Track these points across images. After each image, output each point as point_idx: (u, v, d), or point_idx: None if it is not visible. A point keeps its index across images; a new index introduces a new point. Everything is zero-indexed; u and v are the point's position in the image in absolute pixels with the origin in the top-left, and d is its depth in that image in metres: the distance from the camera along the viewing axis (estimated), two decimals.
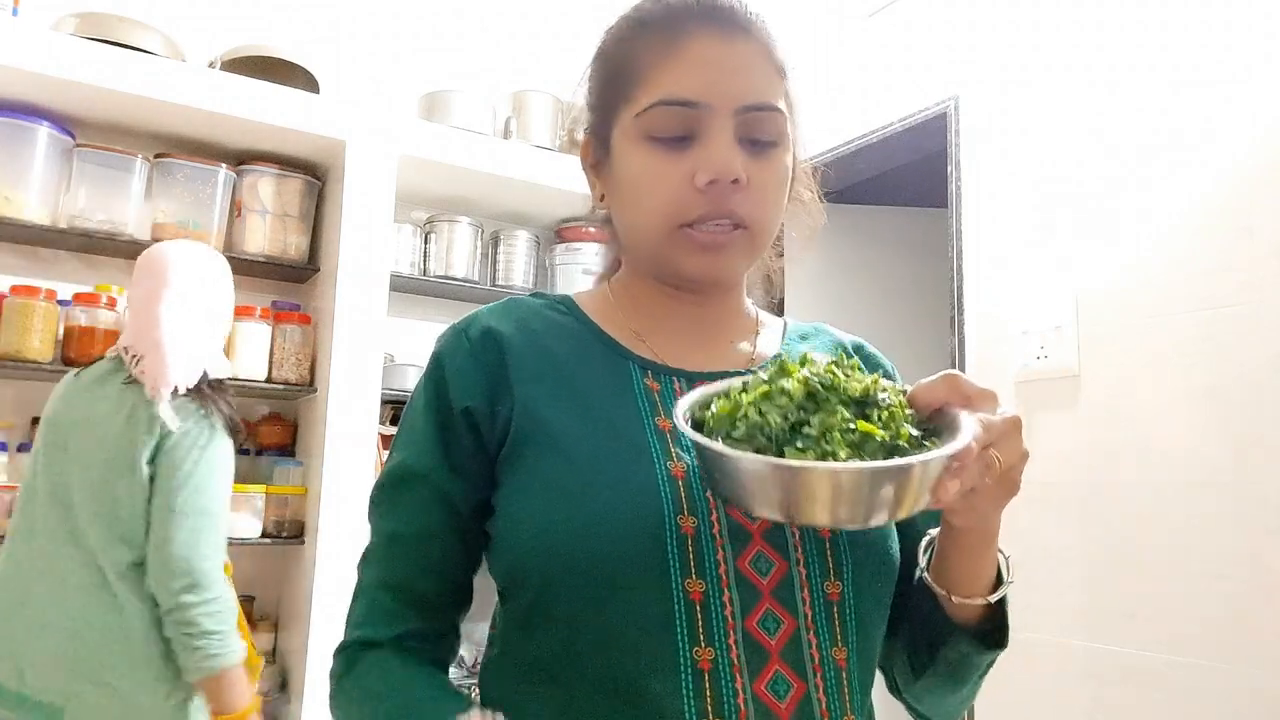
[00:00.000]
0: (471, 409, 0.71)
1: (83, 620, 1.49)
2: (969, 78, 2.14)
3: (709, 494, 0.67)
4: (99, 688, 1.47)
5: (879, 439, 0.58)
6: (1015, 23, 2.05)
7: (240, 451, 2.47)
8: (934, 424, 0.62)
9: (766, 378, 0.63)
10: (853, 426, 0.58)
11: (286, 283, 2.65)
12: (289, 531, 2.38)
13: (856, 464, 0.55)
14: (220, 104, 2.29)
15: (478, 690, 0.75)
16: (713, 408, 0.63)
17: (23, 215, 2.19)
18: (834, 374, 0.61)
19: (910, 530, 0.74)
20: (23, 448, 2.21)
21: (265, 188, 2.49)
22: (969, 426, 0.58)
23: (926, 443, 0.59)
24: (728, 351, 0.79)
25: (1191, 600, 1.58)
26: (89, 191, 2.29)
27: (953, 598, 0.70)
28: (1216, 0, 1.67)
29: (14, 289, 2.17)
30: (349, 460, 2.30)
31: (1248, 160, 1.59)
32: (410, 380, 2.63)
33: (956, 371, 0.63)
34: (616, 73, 0.75)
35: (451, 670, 0.75)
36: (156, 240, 2.30)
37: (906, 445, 0.58)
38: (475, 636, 2.37)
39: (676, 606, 0.64)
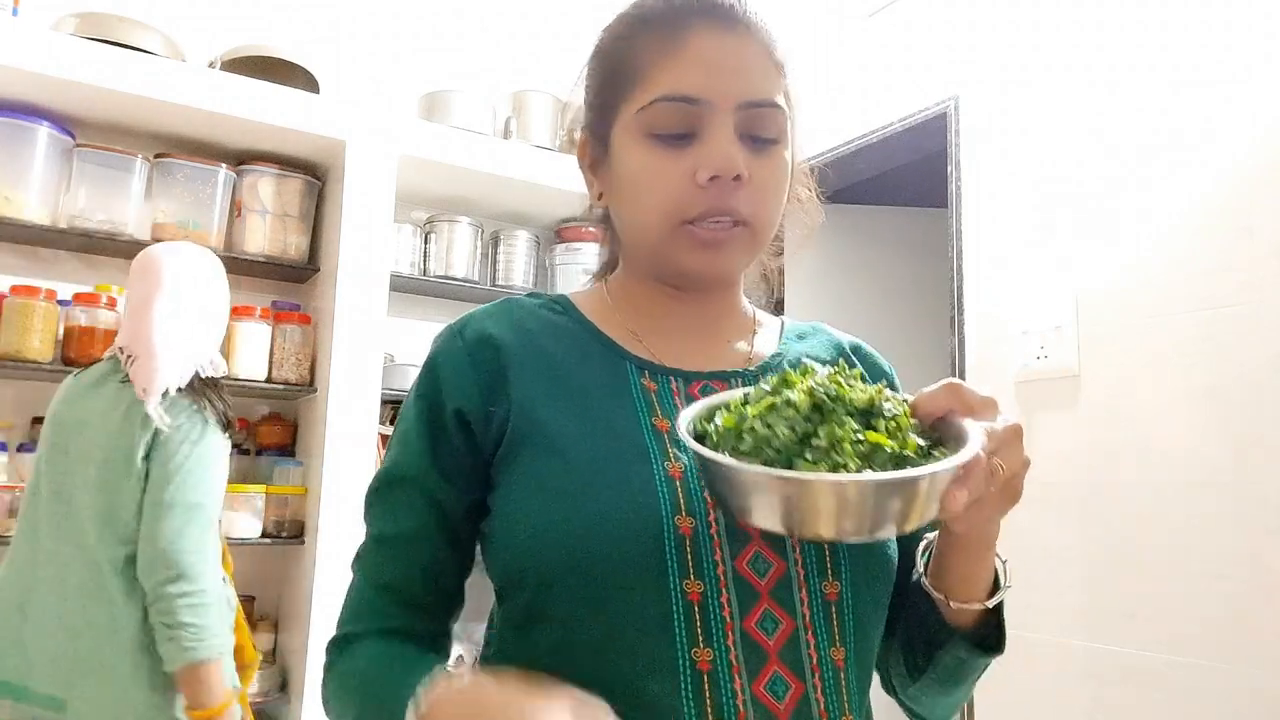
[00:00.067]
0: (464, 410, 0.71)
1: (81, 617, 1.51)
2: (969, 78, 2.14)
3: (706, 493, 0.67)
4: (98, 682, 1.48)
5: (888, 449, 0.57)
6: (1015, 23, 2.05)
7: (240, 451, 2.50)
8: (937, 432, 0.62)
9: (770, 389, 0.62)
10: (861, 437, 0.57)
11: (286, 283, 2.65)
12: (289, 531, 2.38)
13: (874, 475, 0.54)
14: (220, 104, 2.29)
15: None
16: (717, 420, 0.62)
17: (23, 215, 2.19)
18: (839, 384, 0.61)
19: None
20: (23, 448, 2.22)
21: (265, 188, 2.49)
22: (976, 436, 0.58)
23: (935, 452, 0.59)
24: (725, 351, 0.79)
25: (1191, 600, 1.58)
26: (89, 191, 2.29)
27: (951, 603, 0.69)
28: (1216, 0, 1.66)
29: (14, 289, 2.17)
30: (349, 460, 2.30)
31: (1248, 160, 1.59)
32: (410, 380, 2.62)
33: (958, 380, 0.63)
34: (616, 70, 0.75)
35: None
36: (157, 240, 2.31)
37: (914, 455, 0.58)
38: (475, 636, 2.37)
39: (675, 607, 0.64)
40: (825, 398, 0.59)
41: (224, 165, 2.45)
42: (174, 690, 1.53)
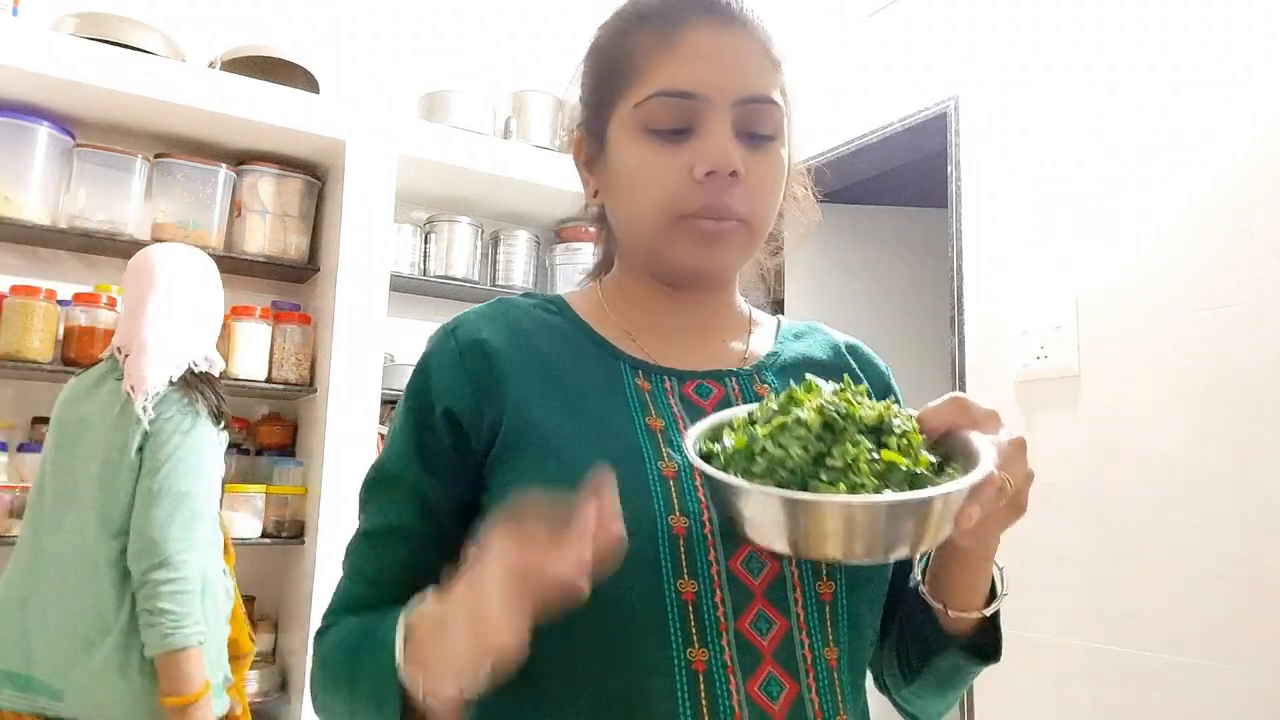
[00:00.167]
0: (453, 410, 0.71)
1: (78, 608, 1.54)
2: (969, 78, 2.14)
3: (701, 492, 0.67)
4: (92, 670, 1.51)
5: (903, 468, 0.57)
6: (1015, 23, 2.05)
7: (240, 451, 2.50)
8: (943, 447, 0.62)
9: (777, 407, 0.61)
10: (876, 456, 0.57)
11: (286, 283, 2.65)
12: (289, 531, 2.38)
13: (902, 495, 0.54)
14: (220, 104, 2.29)
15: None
16: (726, 441, 0.62)
17: (23, 215, 2.19)
18: (849, 401, 0.60)
19: None
20: (23, 448, 2.21)
21: (265, 188, 2.49)
22: (987, 452, 0.58)
23: (948, 469, 0.59)
24: (720, 350, 0.79)
25: (1191, 600, 1.58)
26: (89, 191, 2.29)
27: (949, 611, 0.69)
28: (1216, 0, 1.66)
29: (14, 289, 2.17)
30: (349, 460, 2.30)
31: (1248, 160, 1.59)
32: None
33: (962, 394, 0.63)
34: (612, 66, 0.75)
35: None
36: (157, 240, 2.31)
37: (928, 473, 0.58)
38: None
39: (669, 607, 0.64)
40: (836, 416, 0.59)
41: (224, 165, 2.45)
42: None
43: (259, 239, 2.47)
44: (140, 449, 1.58)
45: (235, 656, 1.71)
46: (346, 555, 0.76)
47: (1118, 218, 1.79)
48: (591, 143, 0.78)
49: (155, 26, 2.33)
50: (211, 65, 2.41)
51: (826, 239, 2.78)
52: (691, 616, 0.64)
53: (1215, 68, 1.65)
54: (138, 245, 2.22)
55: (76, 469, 1.62)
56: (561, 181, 2.67)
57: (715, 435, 0.64)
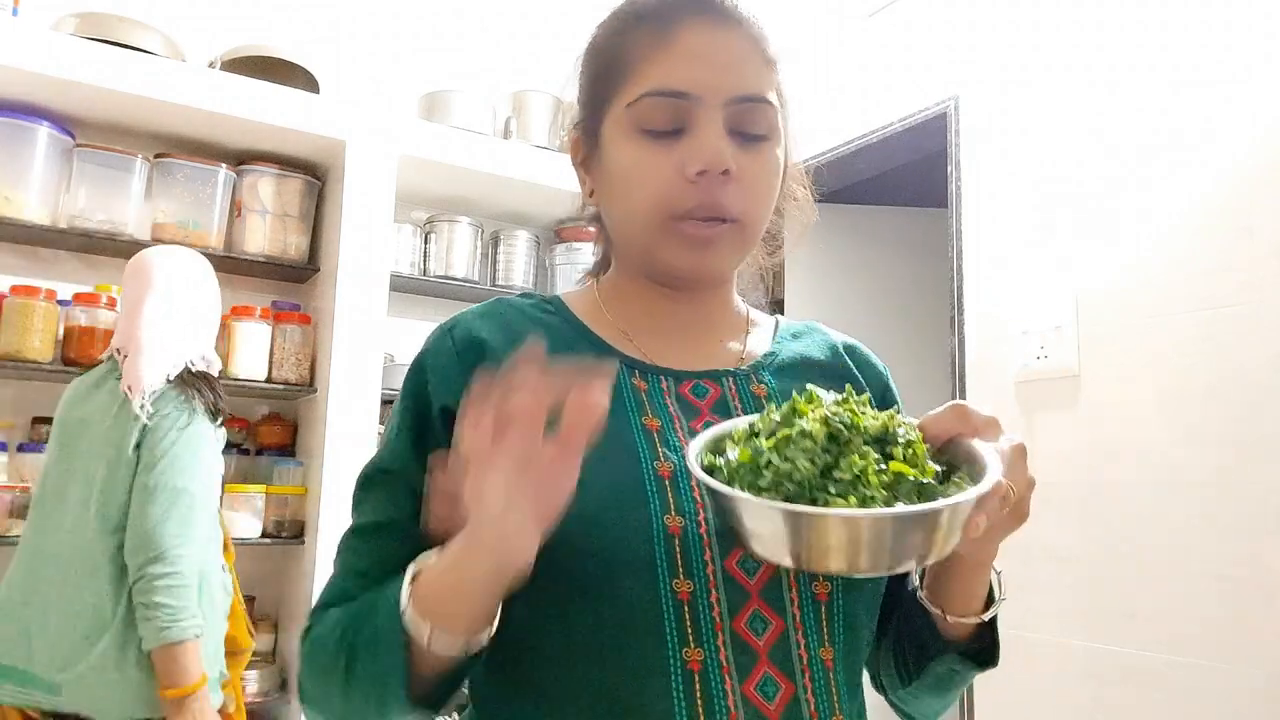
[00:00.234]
0: (451, 408, 0.70)
1: (76, 604, 1.56)
2: (969, 78, 2.14)
3: (695, 490, 0.67)
4: (89, 665, 1.53)
5: (911, 478, 0.56)
6: (1015, 23, 2.05)
7: (240, 451, 2.50)
8: (945, 455, 0.61)
9: (779, 418, 0.61)
10: (884, 467, 0.57)
11: (286, 283, 2.65)
12: (289, 531, 2.38)
13: (916, 507, 0.54)
14: (220, 104, 2.29)
15: (469, 697, 0.74)
16: (730, 454, 0.61)
17: (23, 215, 2.19)
18: (853, 412, 0.60)
19: None
20: (23, 448, 2.21)
21: (265, 188, 2.49)
22: (993, 460, 0.58)
23: (954, 478, 0.59)
24: (717, 350, 0.79)
25: (1191, 600, 1.58)
26: (89, 191, 2.29)
27: (947, 616, 0.69)
28: (1216, 0, 1.66)
29: (14, 289, 2.17)
30: (349, 460, 2.30)
31: (1248, 160, 1.59)
32: None
33: (963, 401, 0.63)
34: (607, 66, 0.75)
35: None
36: (157, 240, 2.32)
37: (934, 483, 0.57)
38: None
39: (665, 607, 0.64)
40: (841, 427, 0.58)
41: (224, 165, 2.44)
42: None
43: (259, 239, 2.47)
44: (138, 446, 1.60)
45: (234, 652, 1.73)
46: (338, 553, 0.75)
47: (1118, 218, 1.79)
48: (587, 142, 0.78)
49: (155, 26, 2.33)
50: (211, 65, 2.41)
51: (826, 239, 2.78)
52: (687, 616, 0.64)
53: (1215, 68, 1.65)
54: (138, 245, 2.22)
55: (76, 468, 1.64)
56: (561, 181, 2.66)
57: (717, 448, 0.63)
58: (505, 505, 0.54)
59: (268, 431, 2.56)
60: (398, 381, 2.79)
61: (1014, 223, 2.00)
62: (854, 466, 0.56)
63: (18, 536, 1.79)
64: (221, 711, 1.64)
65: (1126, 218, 1.77)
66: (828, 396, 0.62)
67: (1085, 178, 1.86)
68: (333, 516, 2.28)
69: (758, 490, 0.57)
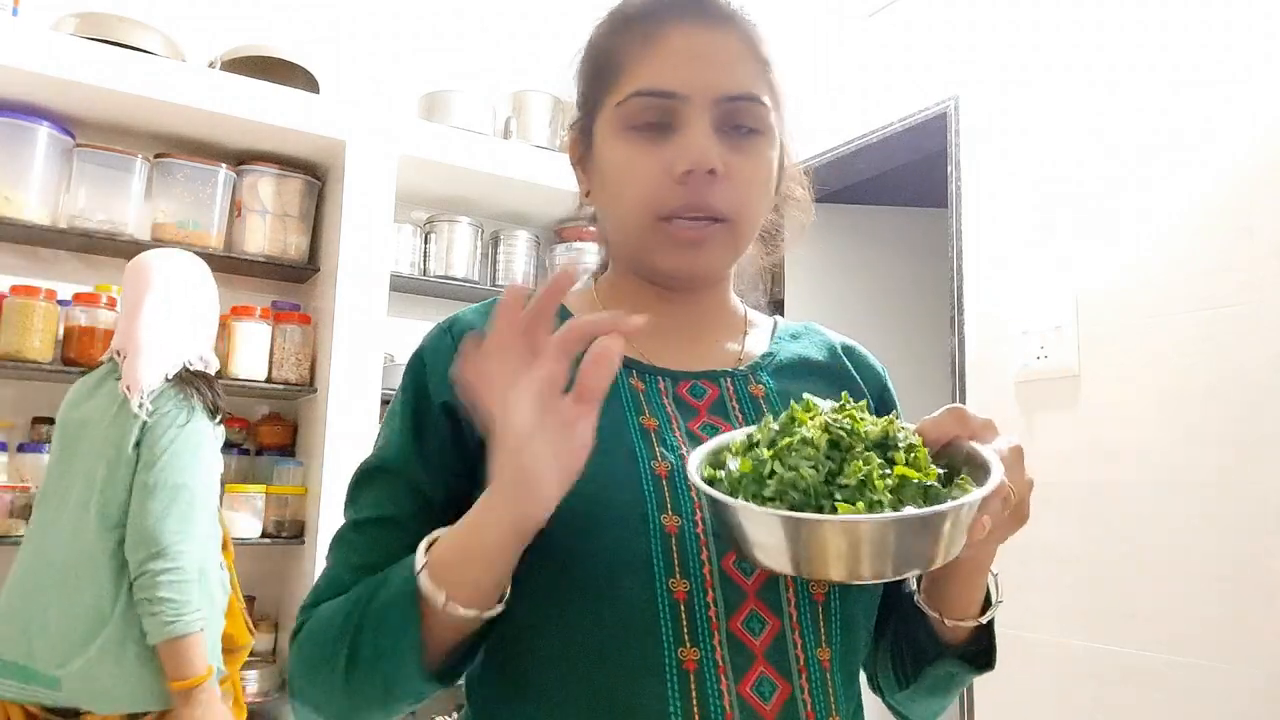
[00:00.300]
0: (451, 404, 0.70)
1: (76, 600, 1.58)
2: (969, 78, 2.14)
3: (692, 490, 0.67)
4: (88, 660, 1.55)
5: (916, 481, 0.56)
6: (1015, 23, 2.05)
7: (240, 451, 2.50)
8: (944, 458, 0.61)
9: (778, 427, 0.61)
10: (888, 471, 0.56)
11: (286, 283, 2.65)
12: (289, 531, 2.38)
13: (928, 509, 0.53)
14: (220, 104, 2.29)
15: (466, 697, 0.74)
16: (731, 465, 0.60)
17: (23, 215, 2.19)
18: (853, 418, 0.60)
19: None
20: (23, 448, 2.22)
21: (265, 188, 2.49)
22: (995, 461, 0.58)
23: (956, 480, 0.59)
24: (715, 350, 0.79)
25: (1191, 600, 1.58)
26: (89, 191, 2.29)
27: (945, 620, 0.69)
28: (1216, 0, 1.66)
29: (14, 289, 2.17)
30: (349, 460, 2.30)
31: (1248, 160, 1.59)
32: None
33: (960, 405, 0.63)
34: (600, 67, 0.75)
35: None
36: (157, 240, 2.32)
37: (939, 486, 0.57)
38: None
39: (661, 606, 0.64)
40: (842, 433, 0.58)
41: (224, 165, 2.45)
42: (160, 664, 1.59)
43: (259, 239, 2.47)
44: (138, 444, 1.62)
45: (232, 649, 1.75)
46: (331, 549, 0.73)
47: (1118, 218, 1.79)
48: (582, 142, 0.78)
49: (155, 26, 2.33)
50: (211, 65, 2.41)
51: (826, 239, 2.78)
52: (683, 616, 0.64)
53: (1215, 68, 1.65)
54: (138, 245, 2.22)
55: (76, 467, 1.66)
56: (561, 181, 2.65)
57: (716, 461, 0.63)
58: (530, 428, 0.54)
59: (268, 431, 2.56)
60: (397, 381, 2.82)
61: (1014, 223, 2.00)
62: (858, 472, 0.56)
63: (18, 537, 1.80)
64: None
65: (1126, 218, 1.77)
66: (825, 405, 0.62)
67: (1085, 178, 1.86)
68: (333, 517, 2.28)
69: (762, 501, 0.56)
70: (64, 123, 2.30)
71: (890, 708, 0.82)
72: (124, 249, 2.29)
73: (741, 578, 0.66)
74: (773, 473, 0.57)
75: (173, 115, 2.31)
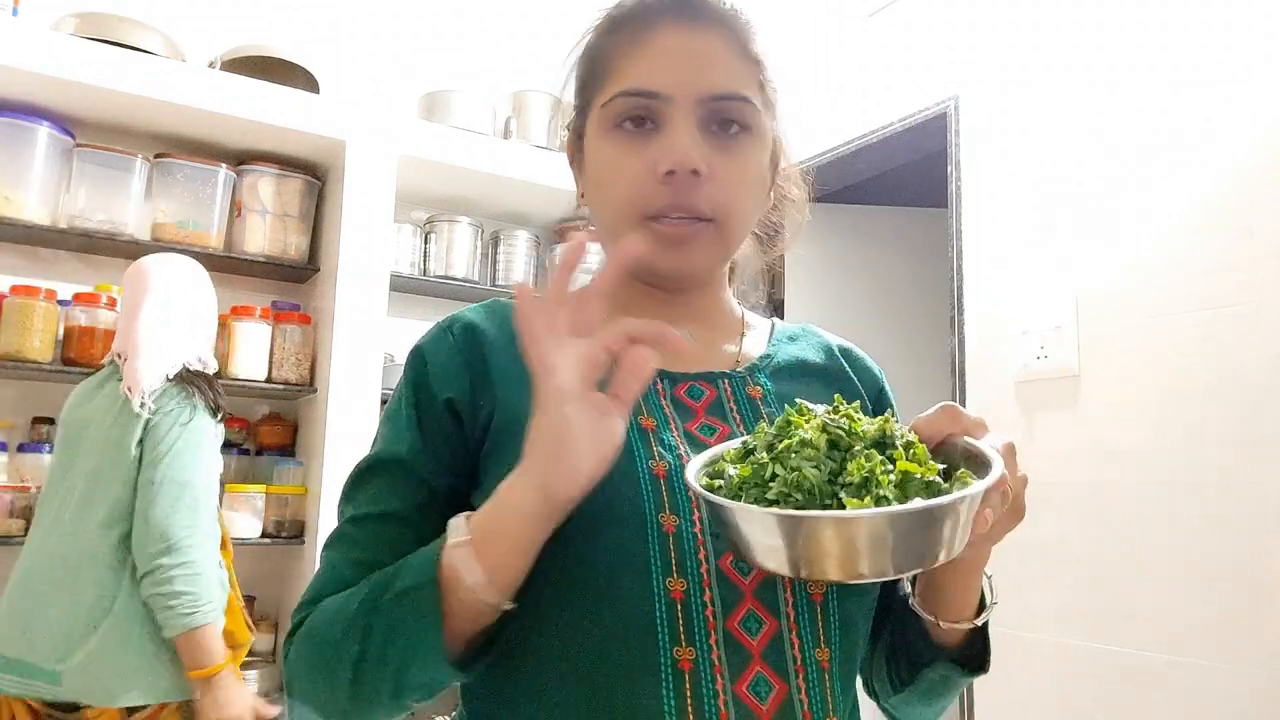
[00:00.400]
0: (454, 400, 0.70)
1: (76, 597, 1.60)
2: (969, 78, 2.14)
3: (690, 491, 0.67)
4: (87, 654, 1.57)
5: (918, 476, 0.56)
6: (1015, 23, 2.05)
7: (240, 451, 2.50)
8: (939, 456, 0.61)
9: (775, 431, 0.61)
10: (891, 467, 0.56)
11: (286, 283, 2.65)
12: (289, 531, 2.39)
13: (938, 499, 0.53)
14: (220, 104, 2.29)
15: (461, 697, 0.74)
16: (731, 471, 0.60)
17: (23, 215, 2.19)
18: (849, 417, 0.60)
19: None
20: (23, 448, 2.21)
21: (265, 188, 2.49)
22: (994, 456, 0.58)
23: (958, 475, 0.58)
24: (712, 352, 0.79)
25: (1191, 600, 1.58)
26: (89, 191, 2.29)
27: (940, 623, 0.69)
28: (1216, 0, 1.66)
29: (14, 289, 2.17)
30: (349, 460, 2.29)
31: (1248, 160, 1.59)
32: None
33: (953, 403, 0.63)
34: (591, 67, 0.76)
35: None
36: (156, 240, 2.32)
37: (940, 481, 0.57)
38: None
39: (658, 605, 0.64)
40: (841, 432, 0.58)
41: (224, 165, 2.45)
42: (164, 657, 1.61)
43: (259, 239, 2.47)
44: (140, 443, 1.64)
45: (233, 646, 1.75)
46: (330, 544, 0.72)
47: (1118, 218, 1.79)
48: (575, 142, 0.79)
49: (155, 26, 2.33)
50: (211, 65, 2.41)
51: (826, 239, 2.78)
52: (680, 615, 0.64)
53: (1215, 68, 1.65)
54: (138, 245, 2.22)
55: (78, 466, 1.68)
56: (561, 181, 2.66)
57: (713, 471, 0.63)
58: (573, 390, 0.56)
59: (268, 431, 2.56)
60: (397, 381, 2.82)
61: (1014, 223, 2.00)
62: (861, 470, 0.56)
63: (19, 537, 1.80)
64: None
65: (1126, 218, 1.77)
66: (819, 408, 0.62)
67: (1085, 178, 1.86)
68: (333, 516, 2.27)
69: (766, 504, 0.56)
70: (64, 123, 2.30)
71: (885, 712, 0.82)
72: (124, 249, 2.29)
73: (739, 577, 0.66)
74: (774, 475, 0.57)
75: (173, 115, 2.32)
